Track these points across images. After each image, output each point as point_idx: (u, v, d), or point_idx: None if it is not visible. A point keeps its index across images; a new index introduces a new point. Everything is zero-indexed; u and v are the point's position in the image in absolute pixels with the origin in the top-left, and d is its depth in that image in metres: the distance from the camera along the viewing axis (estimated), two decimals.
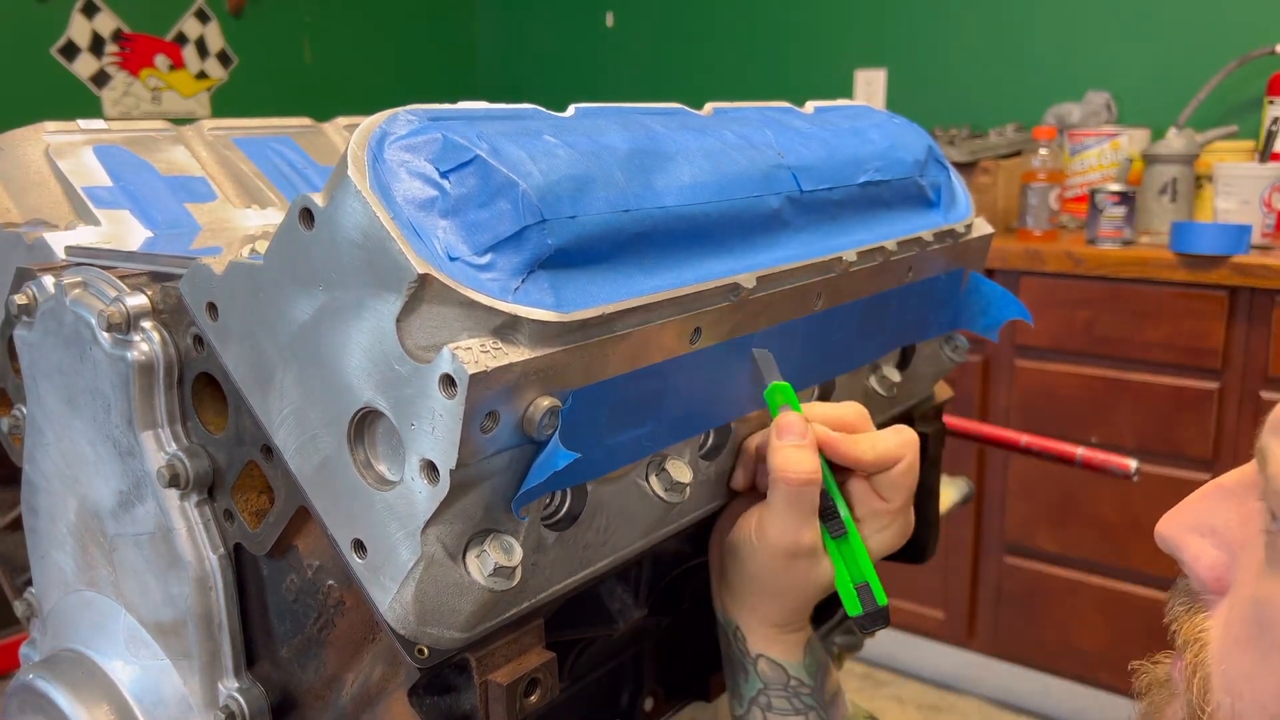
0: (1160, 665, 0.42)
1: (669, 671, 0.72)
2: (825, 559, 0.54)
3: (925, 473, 0.74)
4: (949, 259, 0.67)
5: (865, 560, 0.54)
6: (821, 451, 0.54)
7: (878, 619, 0.53)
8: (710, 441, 0.55)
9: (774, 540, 0.53)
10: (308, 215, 0.40)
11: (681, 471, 0.51)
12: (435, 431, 0.38)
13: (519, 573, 0.42)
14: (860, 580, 0.53)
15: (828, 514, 0.53)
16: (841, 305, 0.58)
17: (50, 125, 0.66)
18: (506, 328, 0.39)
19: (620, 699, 0.69)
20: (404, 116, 0.41)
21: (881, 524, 0.56)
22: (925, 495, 0.75)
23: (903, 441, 0.56)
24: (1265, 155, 1.96)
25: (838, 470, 0.55)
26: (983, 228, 0.70)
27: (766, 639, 0.58)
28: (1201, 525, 0.39)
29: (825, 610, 0.83)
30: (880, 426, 0.58)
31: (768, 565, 0.54)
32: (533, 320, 0.39)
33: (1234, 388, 1.84)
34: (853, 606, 0.53)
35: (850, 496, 0.56)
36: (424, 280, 0.37)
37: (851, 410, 0.57)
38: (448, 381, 0.37)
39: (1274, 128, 1.95)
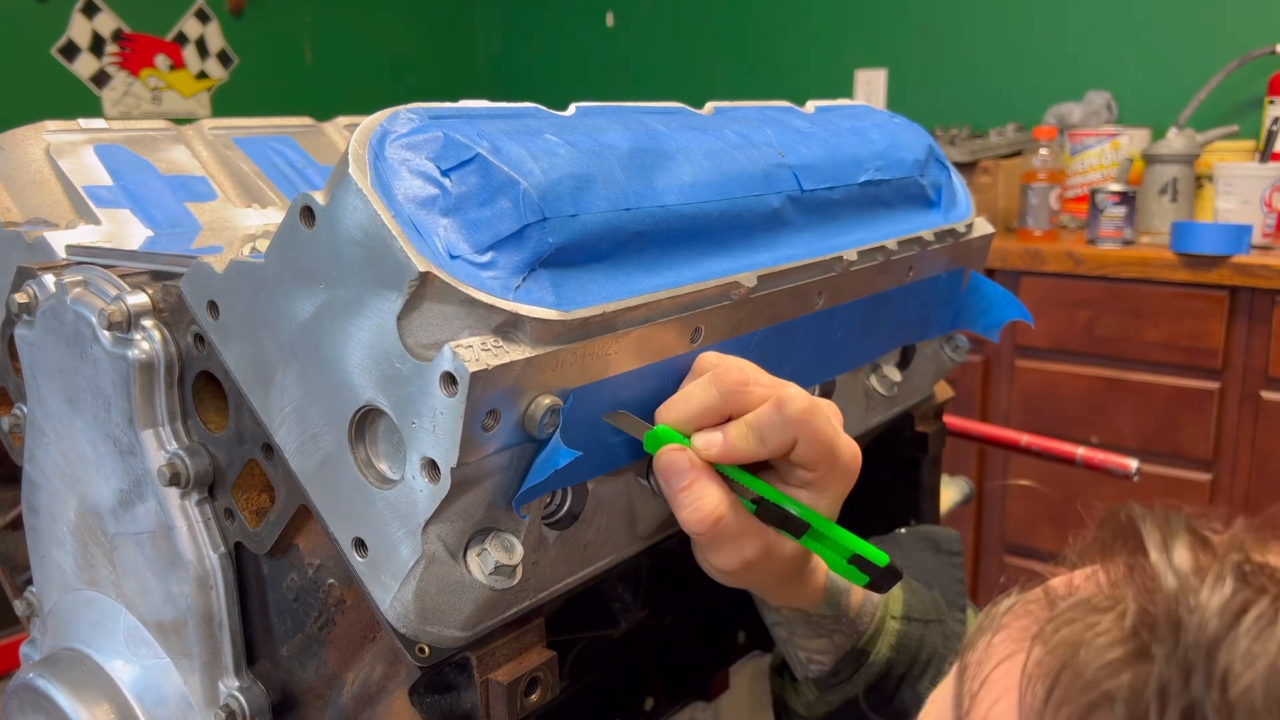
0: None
1: (669, 671, 0.72)
2: (785, 540, 0.50)
3: (925, 473, 0.75)
4: (949, 258, 0.67)
5: (841, 534, 0.50)
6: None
7: (888, 579, 0.50)
8: None
9: (724, 567, 0.50)
10: (309, 213, 0.40)
11: None
12: (436, 430, 0.38)
13: (520, 571, 0.42)
14: (849, 555, 0.49)
15: (780, 520, 0.49)
16: (842, 304, 0.58)
17: (51, 124, 0.66)
18: (507, 326, 0.39)
19: (620, 699, 0.69)
20: (405, 115, 0.41)
21: (823, 488, 0.50)
22: (925, 495, 0.75)
23: (786, 421, 0.47)
24: (1265, 155, 1.96)
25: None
26: (983, 227, 0.70)
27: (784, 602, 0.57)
28: None
29: None
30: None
31: (737, 582, 0.52)
32: (534, 318, 0.39)
33: (1234, 388, 1.84)
34: (858, 579, 0.50)
35: (778, 481, 0.51)
36: (425, 278, 0.37)
37: (703, 395, 0.47)
38: (449, 380, 0.37)
39: (1274, 128, 1.95)
